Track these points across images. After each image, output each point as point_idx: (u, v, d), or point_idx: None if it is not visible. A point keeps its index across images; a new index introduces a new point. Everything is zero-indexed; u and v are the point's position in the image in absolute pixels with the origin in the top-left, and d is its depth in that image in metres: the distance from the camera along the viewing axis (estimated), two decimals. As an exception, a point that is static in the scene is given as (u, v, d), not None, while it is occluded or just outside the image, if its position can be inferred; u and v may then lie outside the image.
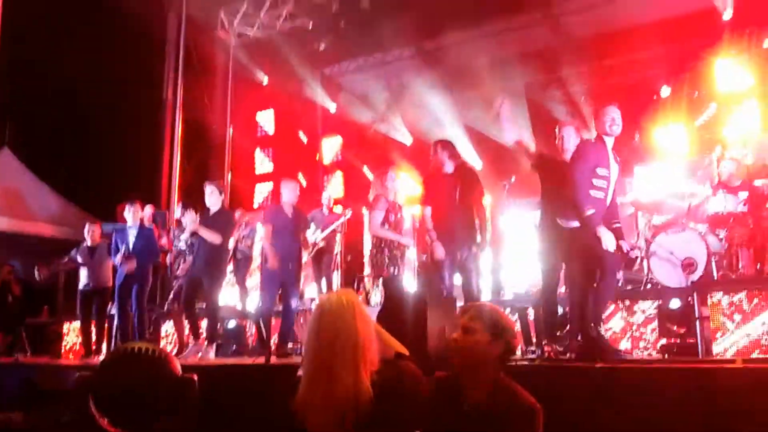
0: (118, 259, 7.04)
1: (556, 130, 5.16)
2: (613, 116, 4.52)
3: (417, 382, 2.33)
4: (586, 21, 10.42)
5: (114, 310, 7.43)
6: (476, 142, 11.11)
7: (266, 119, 13.03)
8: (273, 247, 6.32)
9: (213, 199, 6.54)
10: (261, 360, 5.23)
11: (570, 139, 5.04)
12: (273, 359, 5.29)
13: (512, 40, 10.42)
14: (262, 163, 12.85)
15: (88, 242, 7.71)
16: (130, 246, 7.09)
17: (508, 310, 6.40)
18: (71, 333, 9.21)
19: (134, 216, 7.24)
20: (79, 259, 7.70)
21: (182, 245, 6.96)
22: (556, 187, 4.82)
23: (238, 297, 8.52)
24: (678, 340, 5.77)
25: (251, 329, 7.69)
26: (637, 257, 7.20)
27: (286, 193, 6.49)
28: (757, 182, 7.18)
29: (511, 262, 7.48)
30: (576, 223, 4.47)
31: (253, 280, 8.82)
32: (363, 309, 2.25)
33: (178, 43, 12.30)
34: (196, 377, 2.00)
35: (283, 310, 6.44)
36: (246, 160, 12.81)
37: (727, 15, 9.29)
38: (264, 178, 12.75)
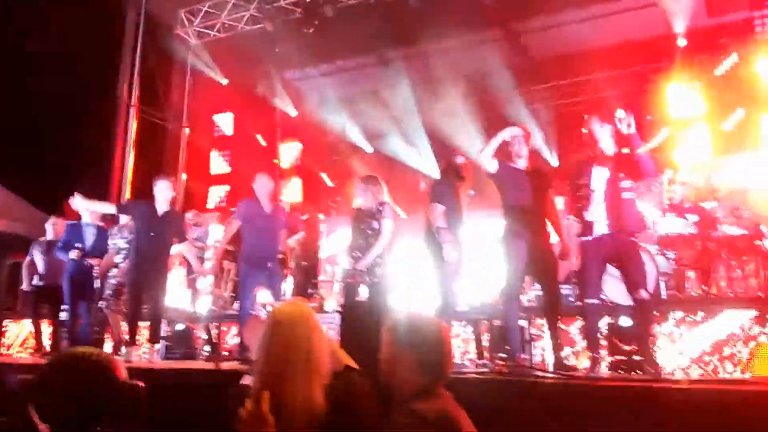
0: (73, 254, 6.75)
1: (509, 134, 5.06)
2: (597, 130, 4.62)
3: (366, 395, 2.31)
4: (545, 41, 10.62)
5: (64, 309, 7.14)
6: (437, 152, 11.20)
7: (224, 121, 12.85)
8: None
9: (167, 194, 6.26)
10: (211, 365, 5.10)
11: (520, 145, 5.01)
12: (224, 364, 5.17)
13: (473, 55, 10.52)
14: (218, 165, 12.63)
15: (50, 236, 7.37)
16: (86, 243, 6.83)
17: (463, 322, 6.43)
18: (10, 331, 8.86)
19: (93, 214, 6.98)
20: (36, 254, 7.35)
21: (122, 243, 6.70)
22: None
23: (188, 299, 8.35)
24: (627, 358, 5.87)
25: (201, 332, 7.52)
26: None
27: (260, 187, 6.12)
28: (706, 205, 7.41)
29: (468, 274, 7.51)
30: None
31: (204, 282, 8.65)
32: (317, 320, 2.22)
33: (136, 39, 12.05)
34: (143, 384, 1.93)
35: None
36: (201, 162, 12.58)
37: (682, 42, 9.60)
38: (219, 180, 12.55)
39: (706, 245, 6.90)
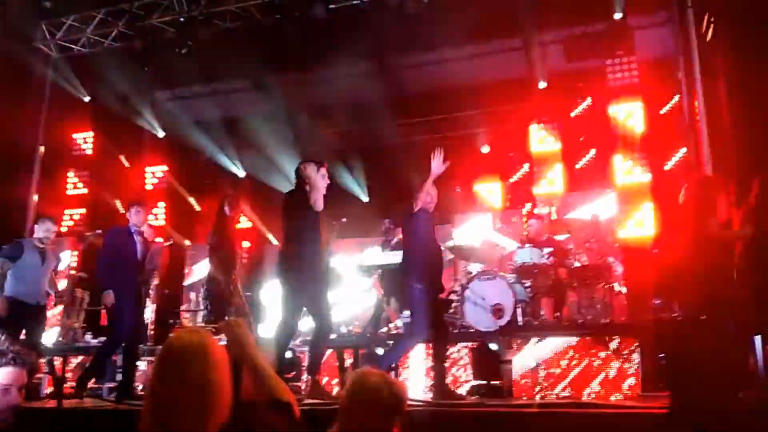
0: None
1: None
2: None
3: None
4: (418, 76, 10.94)
5: None
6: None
7: (84, 140, 12.07)
8: None
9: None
10: (52, 403, 4.68)
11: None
12: (67, 402, 4.77)
13: (344, 86, 10.57)
14: (75, 186, 11.79)
15: None
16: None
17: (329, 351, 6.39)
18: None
19: None
20: None
21: None
22: None
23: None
24: (487, 382, 6.07)
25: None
26: (453, 301, 7.55)
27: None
28: (559, 237, 7.89)
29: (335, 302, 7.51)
30: None
31: (52, 312, 8.02)
32: (217, 351, 1.94)
33: (-12, 48, 11.14)
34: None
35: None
36: (57, 182, 11.72)
37: (542, 85, 10.25)
38: (75, 202, 11.71)
39: (559, 275, 7.32)
